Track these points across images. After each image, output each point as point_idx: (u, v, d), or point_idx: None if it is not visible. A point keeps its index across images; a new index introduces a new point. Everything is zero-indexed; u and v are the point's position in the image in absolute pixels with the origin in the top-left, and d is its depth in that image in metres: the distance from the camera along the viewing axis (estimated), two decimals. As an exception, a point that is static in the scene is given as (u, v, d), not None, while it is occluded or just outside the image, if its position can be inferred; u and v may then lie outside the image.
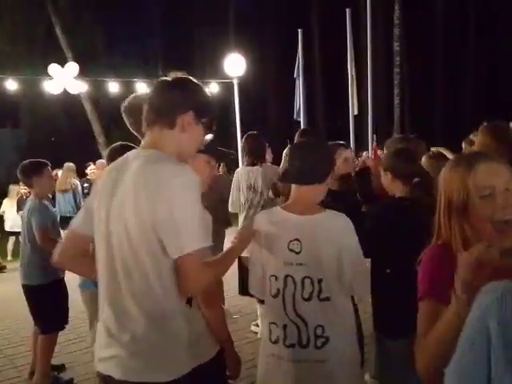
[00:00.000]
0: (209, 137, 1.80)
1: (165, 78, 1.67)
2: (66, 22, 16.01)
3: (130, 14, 22.72)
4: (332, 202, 2.59)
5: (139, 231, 1.50)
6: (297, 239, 1.92)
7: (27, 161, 3.83)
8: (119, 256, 1.55)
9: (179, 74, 1.68)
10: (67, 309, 3.78)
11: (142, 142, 1.67)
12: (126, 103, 2.43)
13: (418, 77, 21.11)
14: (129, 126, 2.35)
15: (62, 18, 15.68)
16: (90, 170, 8.85)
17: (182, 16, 22.64)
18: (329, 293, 1.92)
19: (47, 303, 3.60)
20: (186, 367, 1.54)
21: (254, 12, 25.96)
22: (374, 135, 8.56)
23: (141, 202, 1.49)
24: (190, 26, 22.77)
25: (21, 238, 4.00)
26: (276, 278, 1.94)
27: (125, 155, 1.68)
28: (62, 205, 8.18)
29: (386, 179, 2.56)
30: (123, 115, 2.40)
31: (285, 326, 1.92)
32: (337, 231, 1.95)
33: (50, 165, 3.87)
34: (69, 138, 21.02)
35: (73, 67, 9.57)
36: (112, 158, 3.14)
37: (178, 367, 1.54)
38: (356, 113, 8.56)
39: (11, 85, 9.06)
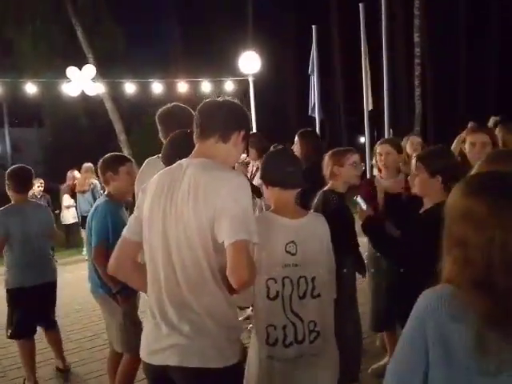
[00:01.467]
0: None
1: (219, 100, 1.94)
2: (86, 24, 16.25)
3: (147, 12, 22.93)
4: (339, 202, 2.68)
5: (197, 230, 1.68)
6: (292, 241, 2.02)
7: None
8: (177, 254, 1.71)
9: (227, 97, 1.95)
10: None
11: (193, 152, 1.87)
12: (160, 111, 2.75)
13: (439, 68, 20.75)
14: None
15: (82, 19, 15.92)
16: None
17: (198, 14, 22.75)
18: (320, 289, 2.06)
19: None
20: (233, 358, 1.75)
21: (271, 9, 25.89)
22: (391, 129, 8.50)
23: (199, 203, 1.68)
24: (206, 24, 22.86)
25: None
26: (275, 281, 2.00)
27: (178, 163, 1.86)
28: (82, 205, 8.39)
29: (434, 183, 2.35)
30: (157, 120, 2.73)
31: (284, 327, 1.99)
32: (321, 231, 2.13)
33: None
34: (91, 136, 21.40)
35: (90, 69, 9.75)
36: (108, 167, 3.24)
37: (228, 357, 1.73)
38: (371, 108, 8.48)
39: (31, 88, 9.30)
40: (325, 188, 3.00)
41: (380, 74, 9.21)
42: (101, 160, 3.38)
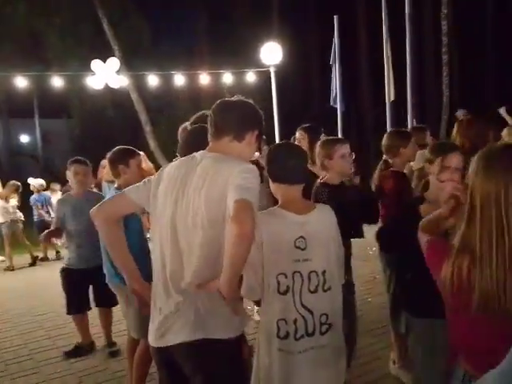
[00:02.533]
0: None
1: (233, 99, 2.00)
2: (112, 16, 16.45)
3: (170, 4, 23.02)
4: (329, 197, 2.70)
5: (207, 216, 1.76)
6: (301, 236, 2.03)
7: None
8: (184, 242, 1.82)
9: (241, 97, 2.01)
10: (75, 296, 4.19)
11: (208, 148, 1.96)
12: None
13: (467, 57, 20.29)
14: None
15: (108, 11, 16.13)
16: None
17: (221, 6, 22.73)
18: (330, 283, 2.08)
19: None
20: (238, 330, 1.87)
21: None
22: (414, 120, 8.41)
23: (210, 188, 1.77)
24: (229, 16, 22.83)
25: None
26: (285, 276, 2.02)
27: (192, 155, 1.95)
28: (108, 194, 8.58)
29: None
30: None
31: (295, 321, 2.02)
32: (329, 224, 2.13)
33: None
34: (117, 127, 21.74)
35: (114, 62, 9.93)
36: (119, 160, 3.29)
37: (235, 329, 1.86)
38: (393, 98, 8.41)
39: (58, 81, 9.54)
40: (319, 180, 3.01)
41: (405, 64, 9.11)
42: (111, 153, 3.41)
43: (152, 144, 15.90)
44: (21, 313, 5.44)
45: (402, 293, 2.66)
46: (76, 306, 4.21)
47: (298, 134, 4.03)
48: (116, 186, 3.37)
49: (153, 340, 1.92)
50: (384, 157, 3.63)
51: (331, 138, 3.23)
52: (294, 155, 2.13)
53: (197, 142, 2.07)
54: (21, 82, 9.44)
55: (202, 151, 1.95)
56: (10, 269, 7.80)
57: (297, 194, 2.12)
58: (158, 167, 3.26)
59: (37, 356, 4.24)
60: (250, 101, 2.01)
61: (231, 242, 1.61)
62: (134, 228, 3.03)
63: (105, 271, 3.30)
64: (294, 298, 2.02)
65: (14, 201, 8.06)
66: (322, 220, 2.11)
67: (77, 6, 17.78)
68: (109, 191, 8.33)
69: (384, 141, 3.55)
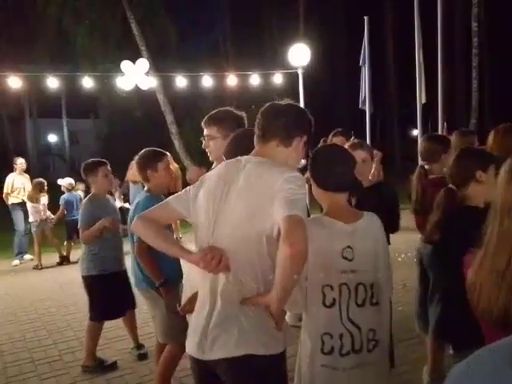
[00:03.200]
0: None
1: (282, 103, 1.93)
2: (140, 17, 16.63)
3: (199, 7, 23.17)
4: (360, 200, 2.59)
5: (249, 223, 1.71)
6: (349, 246, 1.93)
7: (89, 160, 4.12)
8: (228, 248, 1.74)
9: (289, 101, 1.95)
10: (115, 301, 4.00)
11: (253, 152, 1.90)
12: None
13: (497, 58, 19.83)
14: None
15: (136, 12, 16.31)
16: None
17: (249, 8, 22.76)
18: (378, 297, 1.97)
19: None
20: (282, 345, 1.79)
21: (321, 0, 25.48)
22: (445, 123, 8.24)
23: (254, 196, 1.72)
24: (257, 18, 22.84)
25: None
26: (331, 288, 1.92)
27: (237, 158, 1.89)
28: (133, 194, 8.63)
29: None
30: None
31: (341, 335, 1.92)
32: (377, 233, 2.02)
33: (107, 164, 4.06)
34: (144, 127, 21.96)
35: (144, 64, 9.99)
36: (146, 164, 3.24)
37: (279, 344, 1.78)
38: (424, 101, 8.26)
39: (88, 82, 9.64)
40: None
41: (435, 66, 8.94)
42: (138, 157, 3.34)
43: (177, 144, 16.00)
44: (50, 312, 5.49)
45: (445, 324, 2.52)
46: (122, 307, 4.13)
47: (335, 139, 3.98)
48: (146, 189, 3.33)
49: (193, 351, 1.85)
50: (420, 162, 3.51)
51: (350, 142, 3.20)
52: (342, 160, 2.01)
53: (243, 146, 2.00)
54: (51, 82, 9.57)
55: (247, 155, 1.89)
56: (39, 268, 7.89)
57: (343, 201, 2.01)
58: (182, 168, 3.22)
59: (66, 356, 4.25)
60: (300, 105, 1.94)
61: (284, 264, 1.55)
62: None
63: (131, 276, 3.26)
64: (341, 311, 1.92)
65: (44, 199, 8.13)
66: (370, 229, 2.00)
67: (106, 7, 18.04)
68: (136, 191, 8.39)
69: (422, 146, 3.44)
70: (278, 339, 1.77)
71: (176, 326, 3.07)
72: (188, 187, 1.96)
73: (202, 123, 2.87)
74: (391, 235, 2.93)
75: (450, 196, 2.58)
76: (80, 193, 8.74)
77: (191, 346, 1.85)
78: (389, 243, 3.00)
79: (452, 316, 2.32)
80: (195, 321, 1.87)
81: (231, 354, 1.72)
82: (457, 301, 2.31)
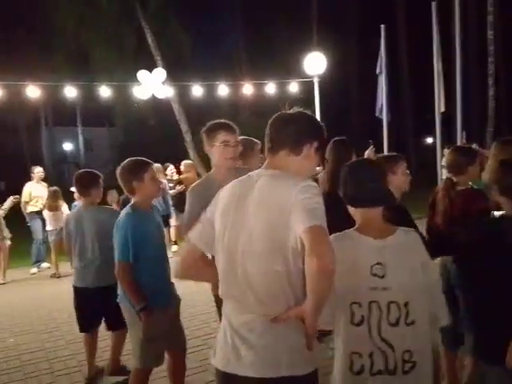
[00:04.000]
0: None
1: (290, 112, 1.90)
2: (155, 28, 16.78)
3: (213, 16, 23.34)
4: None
5: (267, 240, 1.67)
6: (379, 263, 1.86)
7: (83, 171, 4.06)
8: (245, 267, 1.71)
9: (298, 109, 1.91)
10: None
11: (265, 165, 1.87)
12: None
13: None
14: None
15: (151, 23, 16.46)
16: (170, 170, 9.25)
17: (263, 17, 22.88)
18: (414, 316, 1.87)
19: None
20: (315, 363, 1.75)
21: (336, 8, 25.52)
22: (464, 132, 8.14)
23: (269, 211, 1.68)
24: (271, 26, 22.93)
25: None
26: (360, 305, 1.86)
27: (248, 174, 1.87)
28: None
29: (493, 193, 2.40)
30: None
31: (371, 354, 1.85)
32: (413, 249, 1.93)
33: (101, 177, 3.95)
34: (158, 136, 22.09)
35: (160, 73, 10.04)
36: (131, 175, 3.07)
37: (312, 363, 1.73)
38: (443, 109, 8.17)
39: (105, 91, 9.71)
40: None
41: (451, 74, 8.85)
42: (120, 169, 3.11)
43: (192, 153, 16.03)
44: (68, 322, 5.46)
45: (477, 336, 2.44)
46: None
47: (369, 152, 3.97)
48: (132, 203, 3.12)
49: (221, 364, 1.81)
50: (446, 174, 3.46)
51: (391, 154, 3.21)
52: (373, 176, 1.96)
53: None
54: (69, 91, 9.67)
55: (258, 169, 1.86)
56: (56, 276, 7.90)
57: (376, 216, 1.95)
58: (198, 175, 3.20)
59: (84, 368, 4.23)
60: (308, 112, 1.91)
61: (313, 279, 1.52)
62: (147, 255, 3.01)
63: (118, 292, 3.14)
64: (371, 329, 1.85)
65: (65, 207, 8.11)
66: (405, 244, 1.91)
67: (122, 19, 18.26)
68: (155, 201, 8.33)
69: (448, 158, 3.39)
70: (311, 357, 1.71)
71: (149, 353, 3.02)
72: (203, 212, 1.92)
73: (224, 130, 2.88)
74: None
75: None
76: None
77: (218, 357, 1.82)
78: None
79: (491, 332, 2.26)
80: (221, 333, 1.84)
81: (259, 374, 1.68)
82: (491, 316, 2.26)
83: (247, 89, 10.93)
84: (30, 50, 21.82)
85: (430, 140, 28.83)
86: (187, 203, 2.90)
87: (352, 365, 1.87)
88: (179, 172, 9.23)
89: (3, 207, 7.52)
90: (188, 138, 16.38)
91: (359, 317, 1.86)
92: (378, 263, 1.86)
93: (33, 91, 9.28)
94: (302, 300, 1.64)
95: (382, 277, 1.86)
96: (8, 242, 7.81)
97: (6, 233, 7.81)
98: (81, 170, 4.13)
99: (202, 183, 3.00)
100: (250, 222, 1.72)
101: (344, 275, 1.81)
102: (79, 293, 3.92)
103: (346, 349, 1.88)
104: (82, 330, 3.98)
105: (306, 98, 11.16)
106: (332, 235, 1.84)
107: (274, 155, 1.84)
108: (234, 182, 1.90)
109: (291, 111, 1.91)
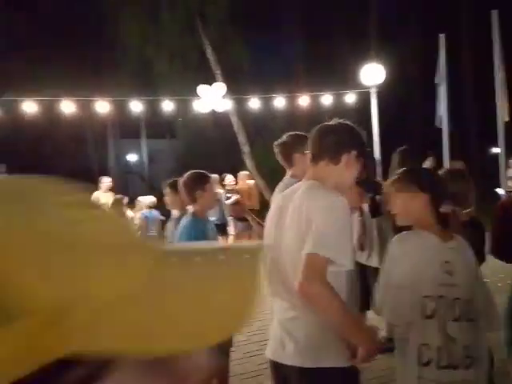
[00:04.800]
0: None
1: (329, 123, 2.02)
2: (214, 43, 17.31)
3: (270, 27, 23.68)
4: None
5: (297, 246, 1.81)
6: (448, 261, 2.01)
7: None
8: (286, 272, 1.87)
9: (339, 120, 2.03)
10: None
11: (307, 175, 2.00)
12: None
13: None
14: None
15: (211, 38, 17.00)
16: (228, 180, 9.47)
17: (320, 27, 22.94)
18: (474, 313, 2.01)
19: None
20: (342, 361, 1.85)
21: (395, 18, 25.19)
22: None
23: (299, 224, 1.81)
24: (328, 37, 22.95)
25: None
26: (431, 299, 1.98)
27: (294, 185, 2.03)
28: (210, 214, 8.86)
29: None
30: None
31: (439, 348, 1.94)
32: (470, 255, 2.12)
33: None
34: (218, 148, 22.61)
35: (220, 87, 10.36)
36: (196, 185, 3.27)
37: (339, 358, 1.84)
38: (507, 119, 7.94)
39: (168, 105, 10.17)
40: None
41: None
42: (185, 178, 3.32)
43: (249, 164, 16.32)
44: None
45: None
46: None
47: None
48: (192, 212, 3.30)
49: (270, 353, 2.01)
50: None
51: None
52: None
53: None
54: (135, 105, 10.21)
55: (301, 181, 2.00)
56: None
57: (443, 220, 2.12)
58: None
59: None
60: (348, 122, 2.00)
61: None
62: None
63: None
64: (439, 323, 1.96)
65: (130, 213, 8.42)
66: (465, 247, 2.11)
67: (184, 34, 18.93)
68: (212, 211, 8.56)
69: None
70: (344, 354, 1.84)
71: None
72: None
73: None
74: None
75: None
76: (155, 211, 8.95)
77: (269, 346, 2.03)
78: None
79: None
80: (272, 329, 2.04)
81: (300, 364, 1.84)
82: None
83: (303, 100, 11.05)
84: (97, 65, 22.97)
85: (495, 150, 27.65)
86: None
87: (421, 356, 1.95)
88: (237, 182, 9.45)
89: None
90: (246, 149, 16.69)
91: (430, 310, 1.97)
92: (447, 261, 2.00)
93: (102, 106, 9.87)
94: None
95: (451, 274, 1.99)
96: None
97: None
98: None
99: None
100: (288, 234, 1.87)
101: (417, 270, 1.97)
102: None
103: (416, 340, 1.98)
104: None
105: (363, 108, 11.14)
106: (404, 232, 2.03)
107: (315, 166, 1.96)
108: (279, 194, 2.11)
109: (331, 122, 2.02)
